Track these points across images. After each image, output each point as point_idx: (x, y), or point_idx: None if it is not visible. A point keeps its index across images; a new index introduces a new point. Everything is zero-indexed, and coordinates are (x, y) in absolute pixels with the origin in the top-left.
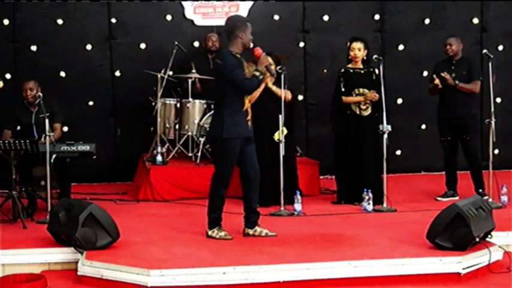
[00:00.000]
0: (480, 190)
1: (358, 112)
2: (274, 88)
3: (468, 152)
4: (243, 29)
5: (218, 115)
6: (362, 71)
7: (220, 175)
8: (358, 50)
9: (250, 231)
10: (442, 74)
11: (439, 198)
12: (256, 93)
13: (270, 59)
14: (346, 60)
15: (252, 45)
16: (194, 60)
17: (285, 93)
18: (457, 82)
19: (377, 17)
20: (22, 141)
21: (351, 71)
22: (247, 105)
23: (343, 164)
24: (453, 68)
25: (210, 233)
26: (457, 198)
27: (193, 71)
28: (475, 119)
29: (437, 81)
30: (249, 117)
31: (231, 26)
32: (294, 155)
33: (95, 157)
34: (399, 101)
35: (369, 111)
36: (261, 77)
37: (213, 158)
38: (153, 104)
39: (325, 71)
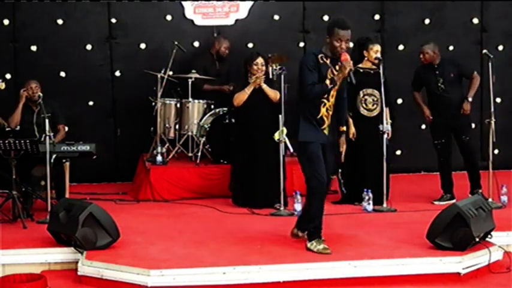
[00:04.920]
0: (480, 191)
1: (365, 113)
2: (264, 86)
3: (467, 151)
4: (330, 33)
5: (296, 119)
6: (372, 71)
7: (310, 179)
8: (378, 52)
9: (300, 234)
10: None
11: (436, 202)
12: (244, 96)
13: (351, 65)
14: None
15: (342, 52)
16: (202, 60)
17: (274, 93)
18: (470, 99)
19: (377, 17)
20: (22, 141)
21: (361, 70)
22: (323, 112)
23: (349, 165)
24: (437, 72)
25: (308, 245)
26: (454, 201)
27: (193, 71)
28: (469, 119)
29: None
30: (324, 126)
31: (328, 25)
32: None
33: (95, 157)
34: (399, 101)
35: (377, 111)
36: (331, 86)
37: (300, 164)
38: (153, 104)
39: None
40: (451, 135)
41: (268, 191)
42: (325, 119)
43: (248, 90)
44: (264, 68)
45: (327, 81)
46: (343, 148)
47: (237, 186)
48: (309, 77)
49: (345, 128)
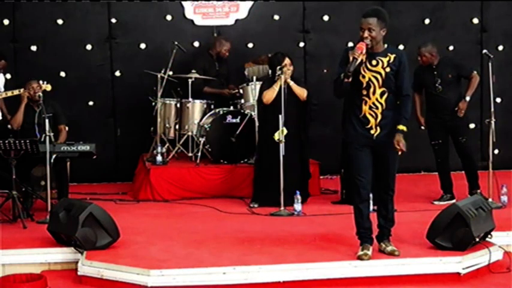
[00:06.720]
0: (479, 191)
1: None
2: (291, 84)
3: (464, 153)
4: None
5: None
6: None
7: (351, 183)
8: None
9: (380, 247)
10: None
11: (436, 202)
12: (273, 93)
13: (356, 54)
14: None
15: (367, 43)
16: (201, 61)
17: (301, 91)
18: (467, 99)
19: None
20: (22, 141)
21: None
22: (365, 110)
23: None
24: (435, 73)
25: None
26: (454, 201)
27: (193, 71)
28: (467, 120)
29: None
30: (370, 125)
31: None
32: (308, 156)
33: (95, 157)
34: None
35: None
36: (343, 76)
37: None
38: (153, 104)
39: (325, 71)
40: (448, 136)
41: (291, 189)
42: (369, 117)
43: (276, 87)
44: (292, 67)
45: (341, 75)
46: (398, 147)
47: (258, 187)
48: (339, 70)
49: (401, 127)
